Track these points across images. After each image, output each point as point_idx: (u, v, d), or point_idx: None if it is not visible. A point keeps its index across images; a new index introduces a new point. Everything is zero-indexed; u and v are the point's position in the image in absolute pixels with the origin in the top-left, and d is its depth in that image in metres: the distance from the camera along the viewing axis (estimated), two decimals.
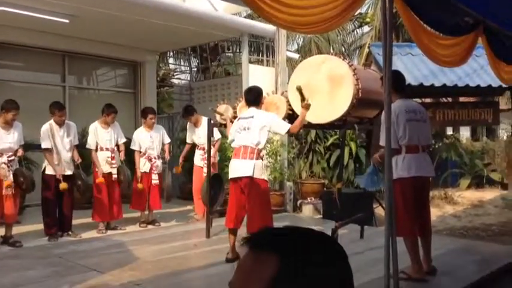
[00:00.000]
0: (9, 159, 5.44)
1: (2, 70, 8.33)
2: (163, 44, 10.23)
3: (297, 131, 4.85)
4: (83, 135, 7.38)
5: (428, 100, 10.58)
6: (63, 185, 5.73)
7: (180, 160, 7.39)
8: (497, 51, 4.75)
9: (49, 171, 5.83)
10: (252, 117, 4.71)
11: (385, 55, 3.27)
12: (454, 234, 7.02)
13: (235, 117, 5.35)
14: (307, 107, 4.75)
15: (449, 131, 14.52)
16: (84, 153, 6.57)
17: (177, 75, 15.17)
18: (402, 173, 4.05)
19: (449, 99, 11.43)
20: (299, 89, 4.80)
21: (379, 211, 7.79)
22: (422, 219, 4.25)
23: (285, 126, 4.75)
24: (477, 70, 8.43)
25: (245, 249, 0.79)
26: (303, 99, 4.79)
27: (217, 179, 6.48)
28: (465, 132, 17.34)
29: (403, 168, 4.06)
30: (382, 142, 3.81)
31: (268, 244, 0.78)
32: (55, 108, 5.87)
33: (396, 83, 3.94)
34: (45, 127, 5.85)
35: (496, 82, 7.28)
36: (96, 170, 6.33)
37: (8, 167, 5.40)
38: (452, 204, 9.43)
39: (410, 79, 8.02)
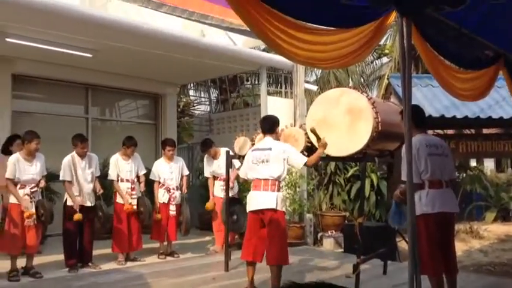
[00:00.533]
0: (32, 190, 5.52)
1: (27, 102, 8.55)
2: (184, 77, 10.41)
3: (314, 165, 4.82)
4: (105, 165, 7.48)
5: (450, 132, 10.44)
6: (77, 216, 5.76)
7: (211, 196, 7.32)
8: None
9: (70, 202, 5.89)
10: (270, 149, 4.70)
11: (404, 88, 3.25)
12: (481, 270, 6.78)
13: None
14: (324, 146, 4.77)
15: (473, 162, 14.24)
16: (105, 183, 6.65)
17: (196, 106, 15.37)
18: (426, 209, 3.96)
19: (473, 131, 11.27)
20: (313, 131, 4.82)
21: (402, 245, 7.61)
22: (448, 257, 4.11)
23: (302, 159, 4.73)
24: (499, 101, 8.32)
25: None
26: (318, 139, 4.80)
27: (236, 203, 6.40)
28: (489, 164, 16.96)
29: (427, 203, 3.98)
30: (404, 177, 3.75)
31: None
32: (77, 140, 5.97)
33: (416, 117, 3.86)
34: (66, 159, 5.95)
35: None
36: (117, 200, 6.38)
37: (31, 198, 5.48)
38: (478, 239, 9.15)
39: (431, 111, 7.95)
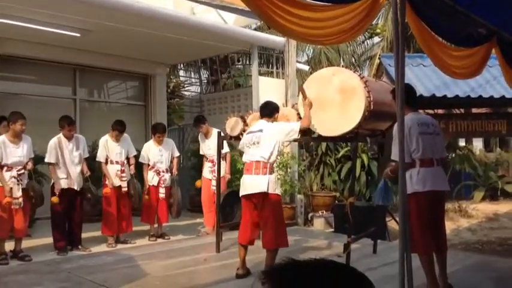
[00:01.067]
0: (19, 173, 5.43)
1: (13, 83, 8.40)
2: (174, 57, 10.26)
3: (308, 125, 4.76)
4: (94, 148, 7.39)
5: (440, 111, 10.45)
6: (54, 199, 5.70)
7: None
8: (511, 62, 4.66)
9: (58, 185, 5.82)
10: (261, 130, 4.66)
11: (397, 67, 3.21)
12: (469, 248, 6.87)
13: (244, 131, 5.31)
14: (309, 104, 4.76)
15: (462, 142, 14.34)
16: (94, 166, 6.57)
17: (187, 87, 15.22)
18: (417, 187, 3.96)
19: (462, 111, 11.29)
20: (302, 92, 4.84)
21: (392, 224, 7.67)
22: (438, 235, 4.14)
23: (296, 126, 4.69)
24: (490, 81, 8.30)
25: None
26: (304, 98, 4.82)
27: (233, 196, 6.39)
28: (478, 144, 17.11)
29: (418, 182, 3.97)
30: (394, 156, 3.75)
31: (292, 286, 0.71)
32: (64, 122, 5.86)
33: (407, 96, 3.82)
34: (52, 141, 5.85)
35: (509, 93, 7.16)
36: (107, 182, 6.31)
37: (18, 181, 5.39)
38: (467, 217, 9.27)
39: (422, 90, 7.92)
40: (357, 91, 4.75)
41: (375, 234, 5.84)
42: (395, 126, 3.89)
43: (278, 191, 4.75)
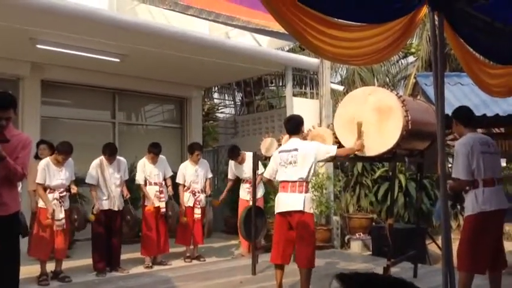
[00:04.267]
0: (61, 195, 5.59)
1: (55, 108, 8.67)
2: (209, 80, 10.43)
3: (344, 158, 4.77)
4: (132, 170, 7.53)
5: (480, 131, 10.16)
6: (91, 217, 5.84)
7: (223, 195, 7.36)
8: None
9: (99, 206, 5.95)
10: (297, 149, 4.63)
11: (436, 84, 3.16)
12: None
13: None
14: (360, 147, 4.73)
15: (503, 162, 13.84)
16: (132, 188, 6.68)
17: (221, 109, 15.40)
18: (484, 207, 3.97)
19: (503, 130, 10.93)
20: (359, 125, 4.78)
21: (432, 247, 7.43)
22: (498, 254, 4.15)
23: (331, 148, 4.69)
24: None
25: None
26: (359, 136, 4.76)
27: (259, 213, 6.37)
28: None
29: (484, 201, 3.99)
30: (456, 174, 3.98)
31: None
32: (105, 152, 6.03)
33: (466, 117, 4.23)
34: (95, 162, 6.04)
35: None
36: (146, 203, 6.41)
37: (60, 203, 5.55)
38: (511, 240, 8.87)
39: None
40: (394, 110, 4.69)
41: (415, 258, 5.67)
42: (457, 144, 3.95)
43: (312, 211, 4.72)
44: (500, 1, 2.72)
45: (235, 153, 7.20)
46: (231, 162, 7.36)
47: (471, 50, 3.74)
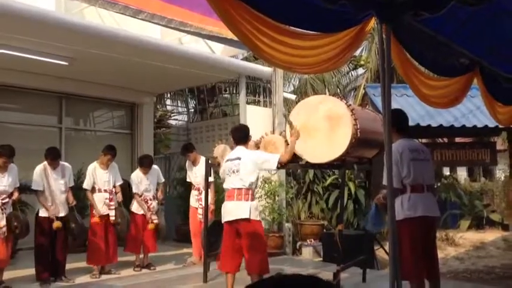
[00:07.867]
0: (3, 201, 5.33)
1: None
2: (161, 86, 10.31)
3: (287, 160, 4.81)
4: (79, 176, 7.29)
5: (424, 140, 10.61)
6: (56, 224, 5.62)
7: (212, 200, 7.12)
8: (493, 92, 4.76)
9: (43, 213, 5.72)
10: (239, 158, 4.68)
11: (384, 94, 3.26)
12: (458, 277, 6.84)
13: None
14: (296, 135, 4.83)
15: (446, 171, 14.50)
16: (79, 195, 6.46)
17: (174, 116, 15.25)
18: (409, 213, 3.93)
19: (446, 140, 11.47)
20: (289, 122, 4.93)
21: (380, 253, 7.64)
22: (431, 262, 4.09)
23: (274, 158, 4.69)
24: (473, 110, 8.49)
25: None
26: (291, 127, 4.89)
27: (218, 226, 6.31)
28: (462, 173, 17.32)
29: (409, 208, 3.95)
30: (385, 181, 3.76)
31: None
32: (48, 157, 5.79)
33: (398, 122, 3.97)
34: (38, 168, 5.78)
35: (492, 122, 7.29)
36: (94, 211, 6.20)
37: (2, 210, 5.29)
38: (454, 246, 9.27)
39: None
40: (344, 119, 4.82)
41: (364, 263, 5.81)
42: (385, 153, 3.96)
43: (259, 218, 4.75)
44: (445, 15, 2.85)
45: (188, 149, 7.11)
46: (187, 164, 7.27)
47: (414, 61, 3.89)
